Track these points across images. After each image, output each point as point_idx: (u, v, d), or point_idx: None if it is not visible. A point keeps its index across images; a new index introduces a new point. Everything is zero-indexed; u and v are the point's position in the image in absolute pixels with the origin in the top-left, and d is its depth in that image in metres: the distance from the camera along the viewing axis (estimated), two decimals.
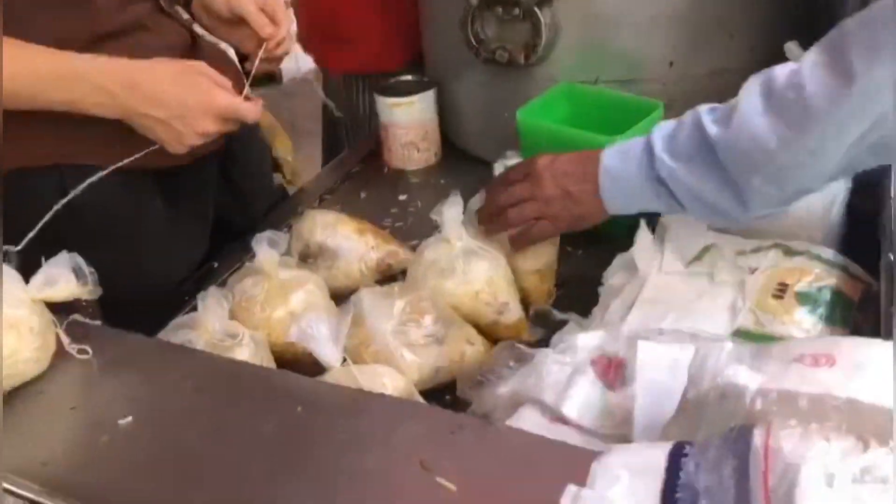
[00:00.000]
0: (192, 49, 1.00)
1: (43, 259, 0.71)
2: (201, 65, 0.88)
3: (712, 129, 0.76)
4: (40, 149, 0.89)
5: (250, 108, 0.89)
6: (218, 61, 1.05)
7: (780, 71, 0.72)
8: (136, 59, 0.86)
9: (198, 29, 1.03)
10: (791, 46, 1.05)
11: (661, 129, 0.81)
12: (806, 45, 1.06)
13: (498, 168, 0.94)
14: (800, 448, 0.46)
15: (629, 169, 0.81)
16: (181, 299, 0.95)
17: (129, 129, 0.88)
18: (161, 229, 0.96)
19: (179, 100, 0.84)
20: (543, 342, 0.82)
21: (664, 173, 0.78)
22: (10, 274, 0.71)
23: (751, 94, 0.73)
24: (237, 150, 1.09)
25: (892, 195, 0.77)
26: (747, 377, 0.49)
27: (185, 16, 1.02)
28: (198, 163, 0.95)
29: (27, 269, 0.72)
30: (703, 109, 0.78)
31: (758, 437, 0.47)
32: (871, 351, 0.50)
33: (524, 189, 0.87)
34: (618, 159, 0.83)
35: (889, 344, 0.52)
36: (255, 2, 0.97)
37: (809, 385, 0.49)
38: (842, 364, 0.48)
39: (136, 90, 0.83)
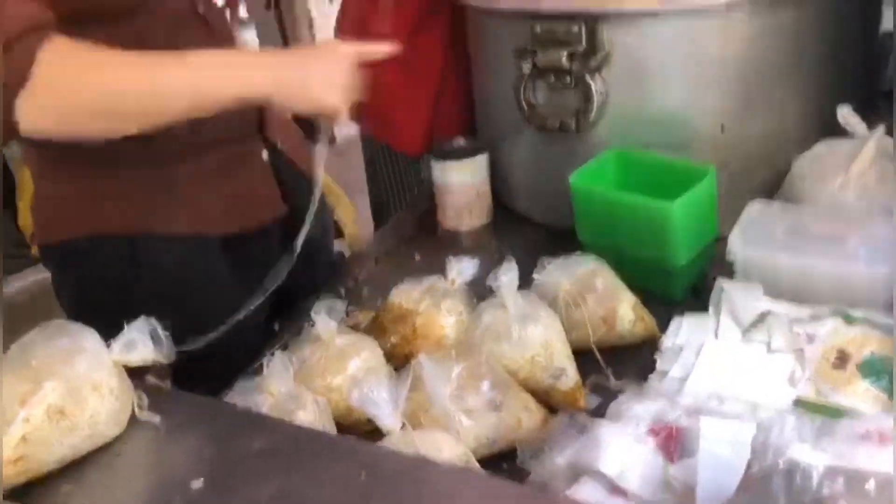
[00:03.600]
0: (263, 119, 1.05)
1: (124, 323, 0.75)
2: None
3: None
4: (114, 217, 0.95)
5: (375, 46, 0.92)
6: (289, 127, 1.10)
7: None
8: (211, 132, 0.93)
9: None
10: (845, 111, 1.06)
11: None
12: (859, 110, 1.08)
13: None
14: None
15: None
16: (246, 360, 0.98)
17: (197, 198, 0.92)
18: (226, 294, 1.00)
19: (316, 51, 0.93)
20: (601, 409, 0.83)
21: None
22: (93, 337, 0.75)
23: None
24: (301, 217, 1.13)
25: None
26: (813, 456, 0.49)
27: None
28: (263, 230, 0.99)
29: (100, 331, 0.76)
30: None
31: None
32: None
33: None
34: None
35: None
36: None
37: (877, 464, 0.49)
38: None
39: (283, 54, 0.91)
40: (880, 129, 1.04)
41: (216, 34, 0.97)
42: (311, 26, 3.92)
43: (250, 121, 1.04)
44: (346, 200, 1.30)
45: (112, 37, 0.81)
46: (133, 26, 0.87)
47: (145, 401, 0.77)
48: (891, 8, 1.43)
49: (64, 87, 0.76)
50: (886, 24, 1.35)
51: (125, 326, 0.75)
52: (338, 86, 0.89)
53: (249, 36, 1.06)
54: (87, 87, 0.77)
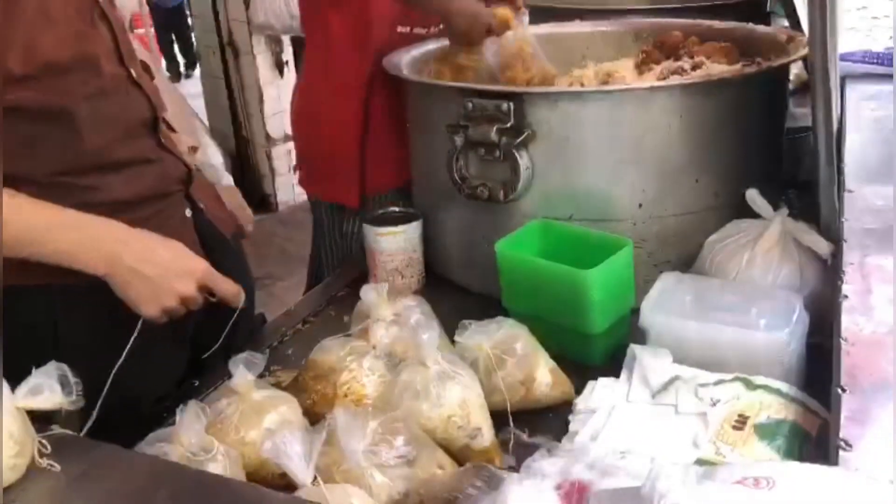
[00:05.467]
0: (189, 179, 1.08)
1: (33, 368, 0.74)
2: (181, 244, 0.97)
3: None
4: (32, 267, 0.93)
5: (227, 285, 0.97)
6: (211, 190, 1.13)
7: None
8: (137, 189, 0.94)
9: (190, 161, 1.12)
10: (752, 194, 1.14)
11: None
12: (766, 194, 1.16)
13: None
14: None
15: None
16: (162, 415, 0.96)
17: None
18: (141, 349, 0.99)
19: (166, 260, 0.93)
20: (515, 468, 0.84)
21: None
22: None
23: None
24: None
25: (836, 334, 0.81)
26: (691, 499, 0.51)
27: (184, 149, 1.12)
28: None
29: (12, 378, 0.75)
30: None
31: None
32: (811, 475, 0.53)
33: None
34: None
35: (831, 470, 0.55)
36: None
37: None
38: (781, 487, 0.51)
39: (129, 245, 0.91)
40: (783, 211, 1.11)
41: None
42: (261, 100, 4.01)
43: (179, 180, 1.07)
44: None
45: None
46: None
47: (48, 448, 0.75)
48: (799, 107, 1.56)
49: None
50: (794, 120, 1.47)
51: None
52: (170, 291, 0.92)
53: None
54: None
